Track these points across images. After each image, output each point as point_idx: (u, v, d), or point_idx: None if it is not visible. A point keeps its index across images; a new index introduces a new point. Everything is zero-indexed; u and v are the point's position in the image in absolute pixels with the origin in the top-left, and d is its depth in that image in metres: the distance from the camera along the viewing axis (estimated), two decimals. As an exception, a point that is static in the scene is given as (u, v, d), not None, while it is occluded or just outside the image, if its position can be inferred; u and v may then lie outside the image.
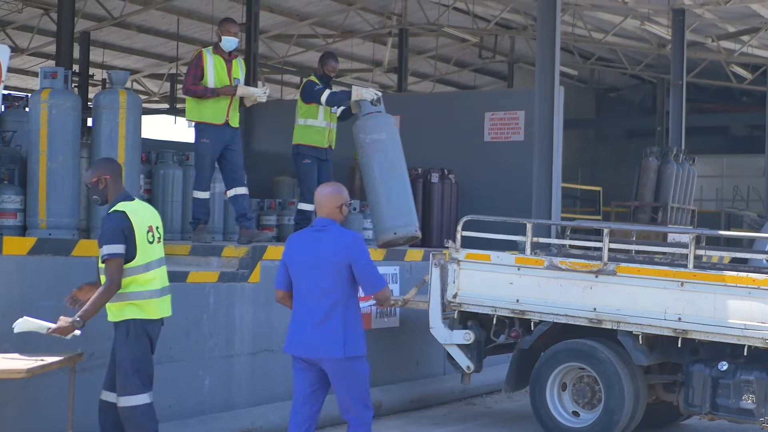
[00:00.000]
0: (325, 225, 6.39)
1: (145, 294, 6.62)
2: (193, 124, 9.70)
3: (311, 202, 10.51)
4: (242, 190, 9.73)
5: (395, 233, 10.30)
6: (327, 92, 10.26)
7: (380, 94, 10.48)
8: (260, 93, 9.66)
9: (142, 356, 6.62)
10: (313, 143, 10.46)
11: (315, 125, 10.44)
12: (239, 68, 9.69)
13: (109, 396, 6.72)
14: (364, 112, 10.42)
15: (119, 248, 6.45)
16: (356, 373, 6.35)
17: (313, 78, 10.54)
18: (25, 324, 6.45)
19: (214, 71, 9.46)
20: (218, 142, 9.51)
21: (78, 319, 6.41)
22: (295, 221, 10.84)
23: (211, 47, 9.67)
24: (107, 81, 10.36)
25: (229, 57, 9.59)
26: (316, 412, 6.62)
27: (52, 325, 6.41)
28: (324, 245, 6.32)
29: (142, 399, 6.60)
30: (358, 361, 6.34)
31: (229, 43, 9.56)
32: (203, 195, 9.58)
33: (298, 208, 10.69)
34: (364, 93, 10.33)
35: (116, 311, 6.61)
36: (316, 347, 6.33)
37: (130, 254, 6.51)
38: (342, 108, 10.57)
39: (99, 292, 6.46)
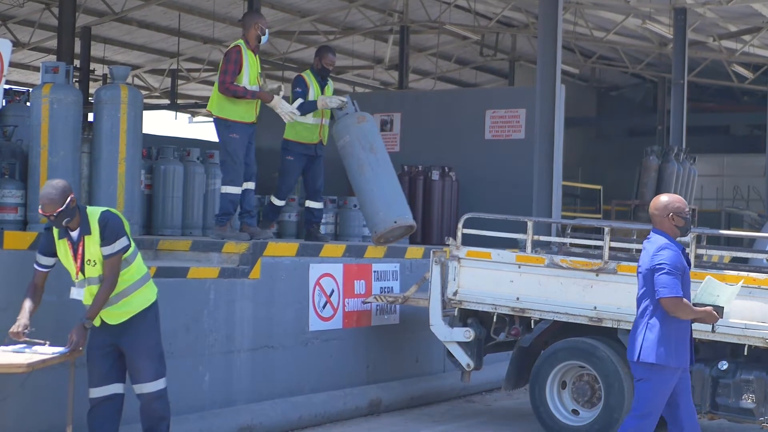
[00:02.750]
0: (651, 234, 6.72)
1: (149, 272, 7.00)
2: (215, 118, 9.60)
3: (284, 198, 10.54)
4: (252, 185, 9.74)
5: (375, 232, 10.26)
6: (299, 101, 10.17)
7: (345, 100, 10.24)
8: (288, 115, 9.73)
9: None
10: (301, 139, 10.38)
11: (304, 122, 10.33)
12: (259, 62, 9.69)
13: (108, 389, 6.81)
14: (340, 115, 10.36)
15: (126, 240, 6.71)
16: (647, 380, 6.58)
17: (304, 74, 10.44)
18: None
19: (249, 68, 9.43)
20: (245, 137, 9.51)
21: (87, 320, 6.58)
22: (263, 213, 10.73)
23: (242, 41, 9.54)
24: (108, 76, 10.36)
25: (255, 51, 9.60)
26: (675, 409, 6.76)
27: (60, 349, 6.50)
28: (643, 253, 6.70)
29: (165, 380, 6.97)
30: (651, 370, 6.56)
31: (266, 37, 9.59)
32: (235, 190, 9.51)
33: (270, 200, 10.58)
34: (328, 102, 10.21)
35: (141, 300, 6.83)
36: (629, 349, 6.77)
37: (129, 244, 6.80)
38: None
39: (104, 289, 6.60)
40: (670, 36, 22.00)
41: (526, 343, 9.19)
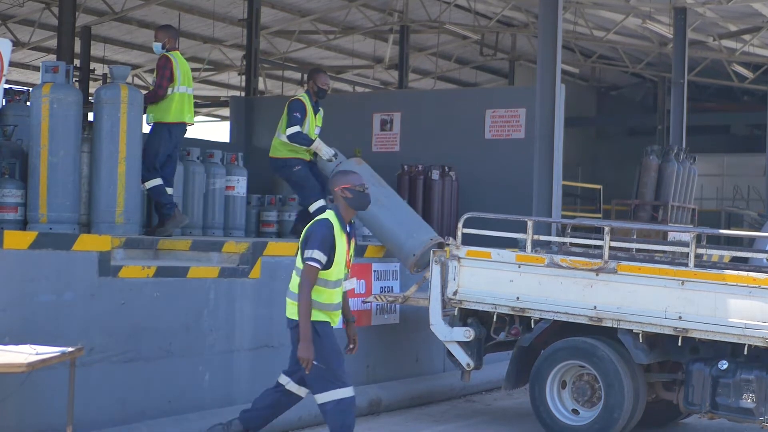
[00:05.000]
0: None
1: None
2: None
3: (319, 198, 10.50)
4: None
5: (414, 254, 10.17)
6: (296, 128, 10.29)
7: (332, 153, 10.42)
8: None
9: None
10: (300, 156, 10.51)
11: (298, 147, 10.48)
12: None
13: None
14: (330, 168, 10.44)
15: None
16: None
17: (302, 98, 10.47)
18: None
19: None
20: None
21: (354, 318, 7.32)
22: (296, 222, 10.83)
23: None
24: (108, 76, 10.34)
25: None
26: None
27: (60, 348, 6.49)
28: None
29: None
30: None
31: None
32: (160, 183, 9.54)
33: (306, 210, 10.52)
34: (323, 150, 10.38)
35: None
36: None
37: None
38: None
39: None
40: (670, 35, 22.00)
41: (526, 343, 9.19)
